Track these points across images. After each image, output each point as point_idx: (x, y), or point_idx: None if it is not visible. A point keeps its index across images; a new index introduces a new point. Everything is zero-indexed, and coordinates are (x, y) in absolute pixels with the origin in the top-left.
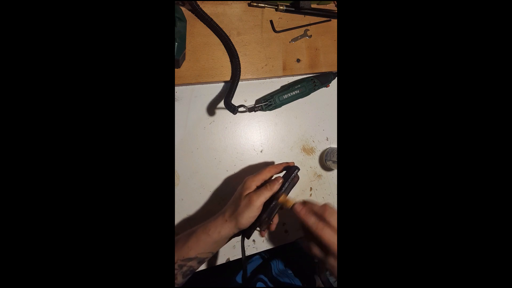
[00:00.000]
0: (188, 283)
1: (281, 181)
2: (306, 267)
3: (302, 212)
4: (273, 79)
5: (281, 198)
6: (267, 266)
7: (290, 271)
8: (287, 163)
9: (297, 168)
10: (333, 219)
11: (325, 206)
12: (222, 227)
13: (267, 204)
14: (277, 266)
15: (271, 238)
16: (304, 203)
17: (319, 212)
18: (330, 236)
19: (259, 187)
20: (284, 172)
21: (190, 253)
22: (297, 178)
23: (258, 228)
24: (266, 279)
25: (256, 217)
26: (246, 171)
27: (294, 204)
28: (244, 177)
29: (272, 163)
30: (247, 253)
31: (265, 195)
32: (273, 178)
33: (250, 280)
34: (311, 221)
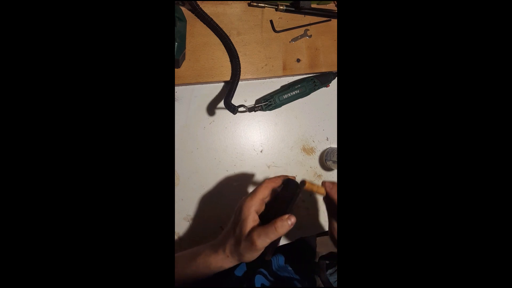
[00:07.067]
0: None
1: (293, 220)
2: (306, 266)
3: (333, 190)
4: (273, 79)
5: (307, 185)
6: (266, 261)
7: (290, 268)
8: (285, 176)
9: (298, 187)
10: None
11: None
12: (223, 262)
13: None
14: (276, 262)
15: None
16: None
17: None
18: None
19: (261, 216)
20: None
21: (188, 281)
22: (300, 195)
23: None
24: (266, 273)
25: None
26: (246, 171)
27: (324, 183)
28: (244, 177)
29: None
30: None
31: (271, 238)
32: (284, 217)
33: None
34: None
